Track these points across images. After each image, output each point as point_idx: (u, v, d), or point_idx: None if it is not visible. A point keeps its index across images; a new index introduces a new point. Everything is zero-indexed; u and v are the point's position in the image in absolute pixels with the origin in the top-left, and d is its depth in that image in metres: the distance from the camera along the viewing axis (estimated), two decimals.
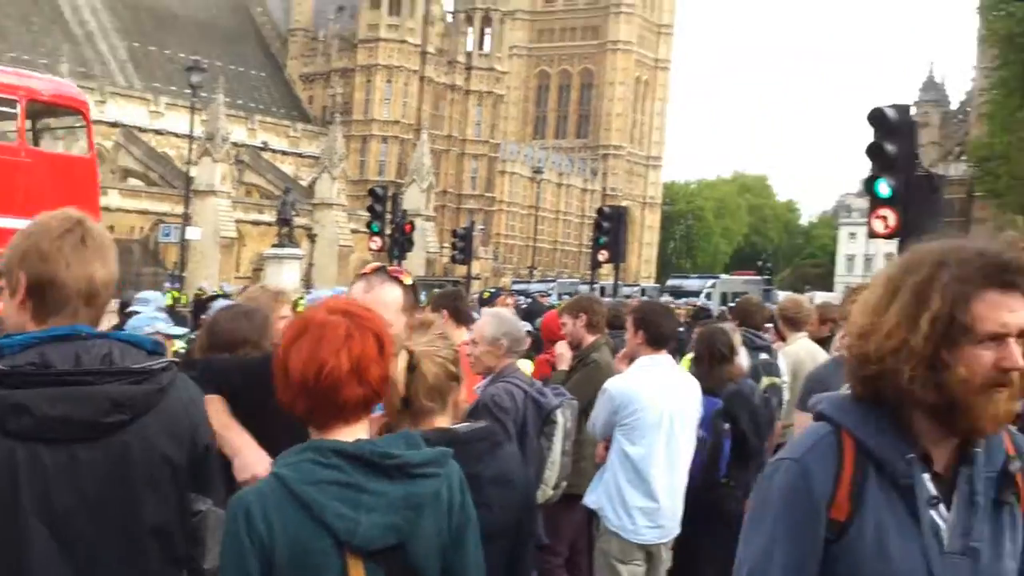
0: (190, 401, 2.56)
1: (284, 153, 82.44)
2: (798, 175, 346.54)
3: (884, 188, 12.01)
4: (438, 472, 2.44)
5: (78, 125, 18.05)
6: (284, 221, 52.76)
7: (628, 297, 30.19)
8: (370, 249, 34.35)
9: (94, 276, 2.45)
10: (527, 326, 6.93)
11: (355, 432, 2.43)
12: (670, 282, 60.48)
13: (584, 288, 36.52)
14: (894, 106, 12.45)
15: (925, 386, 1.99)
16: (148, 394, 2.42)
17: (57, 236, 2.44)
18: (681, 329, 11.48)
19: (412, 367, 2.79)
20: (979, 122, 73.92)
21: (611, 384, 5.81)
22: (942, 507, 2.05)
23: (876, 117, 12.35)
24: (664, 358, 5.86)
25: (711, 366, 6.49)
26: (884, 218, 11.92)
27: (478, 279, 57.11)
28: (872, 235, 12.13)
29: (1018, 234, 3.11)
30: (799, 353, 7.83)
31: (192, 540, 2.54)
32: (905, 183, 11.98)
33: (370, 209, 31.42)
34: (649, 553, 5.85)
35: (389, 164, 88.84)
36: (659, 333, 5.82)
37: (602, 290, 31.98)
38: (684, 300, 32.82)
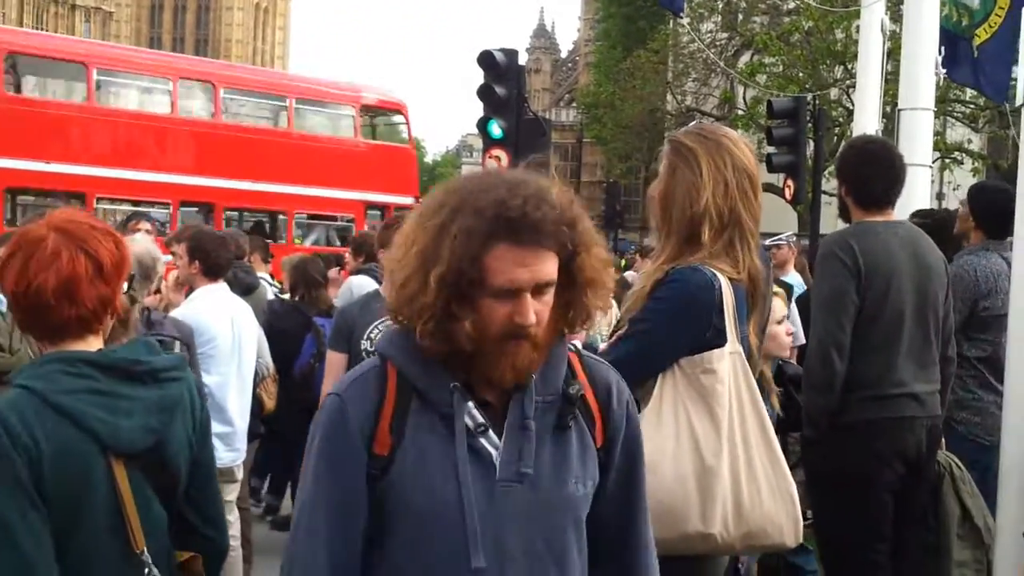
0: None
1: None
2: (423, 113, 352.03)
3: (496, 129, 12.60)
4: (181, 376, 2.52)
5: (399, 122, 24.76)
6: None
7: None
8: None
9: None
10: None
11: (90, 344, 2.43)
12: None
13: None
14: (503, 50, 13.00)
15: (436, 338, 1.96)
16: None
17: None
18: None
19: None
20: (586, 71, 77.84)
21: (179, 314, 5.79)
22: (492, 434, 1.99)
23: (486, 60, 12.86)
24: (221, 286, 5.91)
25: (308, 291, 7.80)
26: (498, 158, 12.50)
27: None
28: None
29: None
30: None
31: None
32: (516, 125, 12.61)
33: None
34: (222, 474, 5.99)
35: None
36: (215, 263, 5.84)
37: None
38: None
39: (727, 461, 2.91)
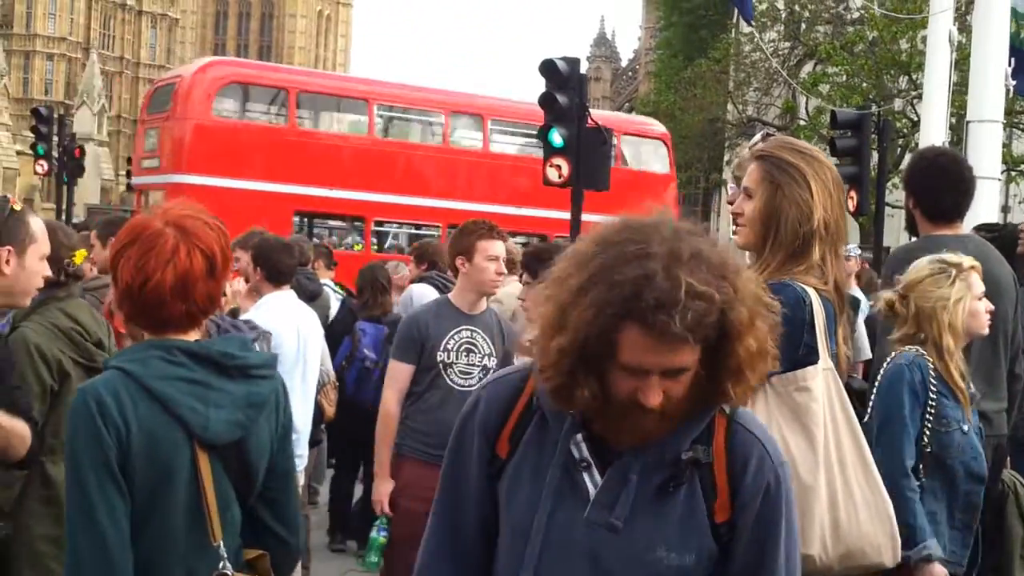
0: None
1: None
2: None
3: (557, 138, 12.57)
4: (271, 375, 2.57)
5: (660, 150, 24.57)
6: None
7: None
8: (36, 173, 32.42)
9: None
10: None
11: (191, 336, 2.48)
12: None
13: None
14: (564, 58, 12.97)
15: (555, 396, 1.94)
16: None
17: None
18: None
19: None
20: (647, 80, 77.55)
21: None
22: (596, 472, 1.95)
23: (547, 68, 12.84)
24: (288, 293, 5.95)
25: (374, 296, 7.65)
26: (558, 167, 12.47)
27: None
28: (547, 183, 12.67)
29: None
30: None
31: None
32: (577, 134, 12.58)
33: (34, 130, 29.54)
34: None
35: (56, 84, 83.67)
36: (278, 270, 5.88)
37: None
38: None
39: (824, 480, 2.86)
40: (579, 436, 1.95)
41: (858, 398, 3.31)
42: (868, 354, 6.42)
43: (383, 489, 5.27)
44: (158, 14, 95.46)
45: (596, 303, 1.81)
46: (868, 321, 6.47)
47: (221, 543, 2.43)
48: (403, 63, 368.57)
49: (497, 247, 5.23)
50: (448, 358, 5.15)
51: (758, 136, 3.54)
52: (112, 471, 2.29)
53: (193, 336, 2.49)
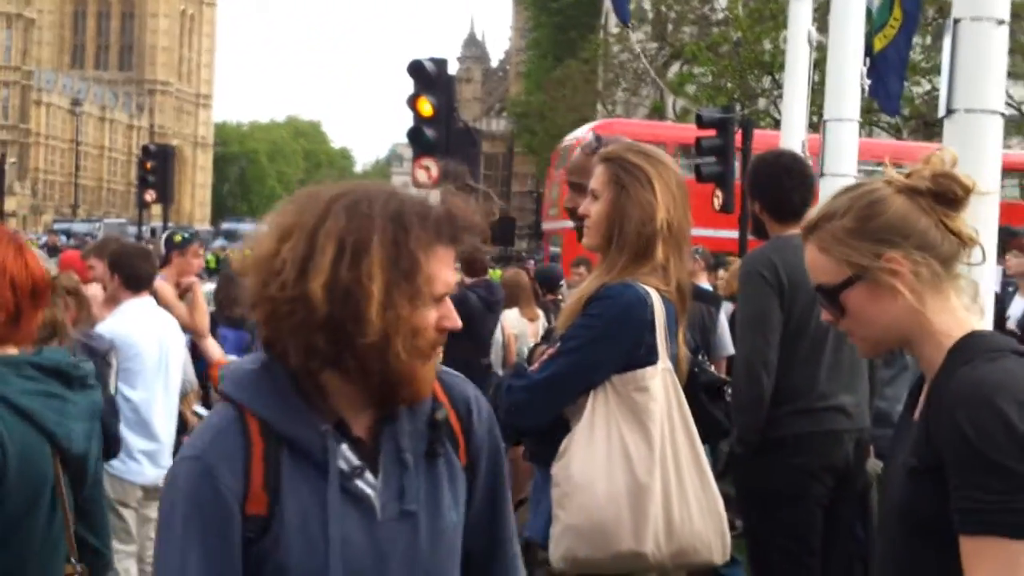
0: None
1: None
2: (351, 122, 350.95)
3: (426, 139, 12.55)
4: (97, 384, 2.60)
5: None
6: None
7: None
8: None
9: None
10: None
11: (9, 349, 2.43)
12: (225, 225, 59.75)
13: (132, 230, 35.24)
14: (433, 59, 12.99)
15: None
16: None
17: None
18: None
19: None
20: (517, 80, 78.16)
21: (104, 328, 5.62)
22: (368, 475, 1.81)
23: (416, 69, 12.84)
24: (148, 300, 5.79)
25: (229, 298, 7.56)
26: (427, 168, 12.46)
27: (14, 216, 53.23)
28: (416, 184, 12.62)
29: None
30: None
31: None
32: (447, 135, 12.57)
33: None
34: (148, 491, 5.87)
35: None
36: (136, 276, 5.71)
37: (152, 231, 31.02)
38: (240, 243, 32.66)
39: (659, 479, 2.91)
40: (344, 447, 1.80)
41: (706, 391, 3.34)
42: (731, 350, 6.49)
43: None
44: (13, 14, 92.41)
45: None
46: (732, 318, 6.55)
47: (75, 559, 2.44)
48: (270, 67, 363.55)
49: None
50: None
51: (590, 136, 3.57)
52: None
53: (9, 351, 2.42)
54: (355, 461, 1.80)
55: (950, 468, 1.81)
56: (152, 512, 5.85)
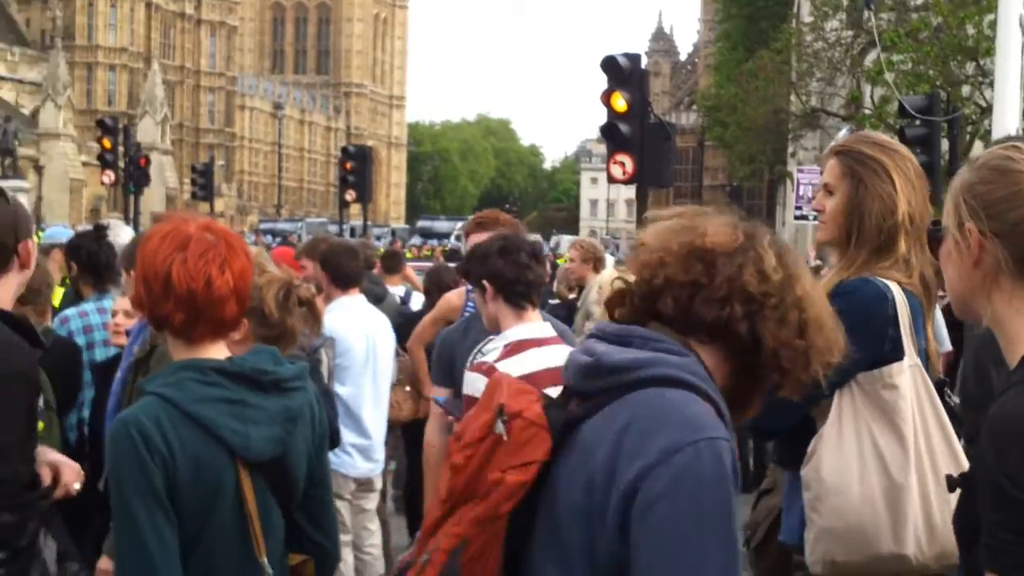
0: None
1: (1, 79, 76.67)
2: (540, 120, 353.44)
3: (620, 134, 12.51)
4: (304, 386, 2.55)
5: None
6: (7, 151, 50.36)
7: (379, 238, 30.07)
8: (102, 183, 33.02)
9: None
10: None
11: (220, 350, 2.46)
12: (420, 223, 60.92)
13: (333, 228, 36.25)
14: (626, 54, 12.94)
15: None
16: None
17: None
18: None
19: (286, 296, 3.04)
20: (707, 73, 77.16)
21: None
22: None
23: (609, 65, 12.80)
24: (358, 298, 5.91)
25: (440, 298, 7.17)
26: (622, 164, 12.42)
27: (222, 217, 55.70)
28: (611, 180, 12.62)
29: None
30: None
31: None
32: (640, 130, 12.51)
33: (100, 141, 30.07)
34: (361, 484, 6.00)
35: (119, 94, 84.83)
36: (343, 273, 5.83)
37: (352, 231, 31.86)
38: (436, 240, 33.16)
39: (915, 478, 2.81)
40: None
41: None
42: (947, 346, 6.24)
43: None
44: (217, 22, 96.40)
45: None
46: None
47: (266, 560, 2.43)
48: (460, 66, 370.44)
49: (479, 239, 4.48)
50: None
51: (844, 131, 3.47)
52: (159, 498, 2.28)
53: (223, 348, 2.47)
54: None
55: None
56: (366, 503, 6.02)
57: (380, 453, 6.03)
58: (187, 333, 2.41)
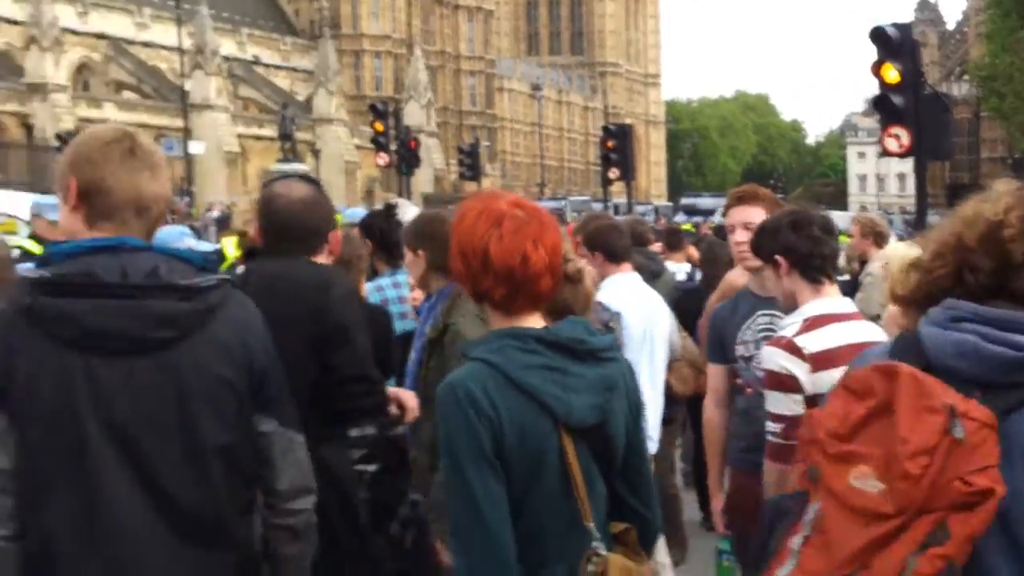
0: (244, 324, 2.50)
1: (276, 67, 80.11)
2: (800, 94, 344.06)
3: (894, 107, 12.12)
4: (617, 356, 2.61)
5: None
6: (286, 136, 52.34)
7: (643, 215, 29.86)
8: (378, 165, 34.38)
9: (142, 186, 2.44)
10: None
11: (537, 320, 2.54)
12: (684, 200, 60.22)
13: (597, 206, 36.37)
14: (895, 25, 12.48)
15: None
16: (195, 312, 2.38)
17: (105, 143, 2.44)
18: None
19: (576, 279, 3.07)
20: (978, 42, 73.23)
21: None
22: None
23: (878, 35, 12.39)
24: (631, 275, 5.89)
25: (714, 273, 7.24)
26: (897, 136, 12.02)
27: None
28: (885, 153, 12.25)
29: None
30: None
31: (261, 461, 2.54)
32: (915, 101, 12.09)
33: (373, 125, 31.40)
34: None
35: (385, 80, 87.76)
36: (611, 249, 5.82)
37: (616, 208, 31.91)
38: (701, 217, 32.71)
39: None
40: None
41: None
42: None
43: (714, 506, 4.78)
44: (474, 7, 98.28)
45: None
46: None
47: (592, 524, 2.47)
48: (715, 43, 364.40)
49: (740, 214, 4.60)
50: (747, 352, 4.44)
51: None
52: (490, 461, 2.35)
53: (536, 323, 2.52)
54: None
55: None
56: None
57: (655, 430, 5.94)
58: (506, 306, 2.50)
